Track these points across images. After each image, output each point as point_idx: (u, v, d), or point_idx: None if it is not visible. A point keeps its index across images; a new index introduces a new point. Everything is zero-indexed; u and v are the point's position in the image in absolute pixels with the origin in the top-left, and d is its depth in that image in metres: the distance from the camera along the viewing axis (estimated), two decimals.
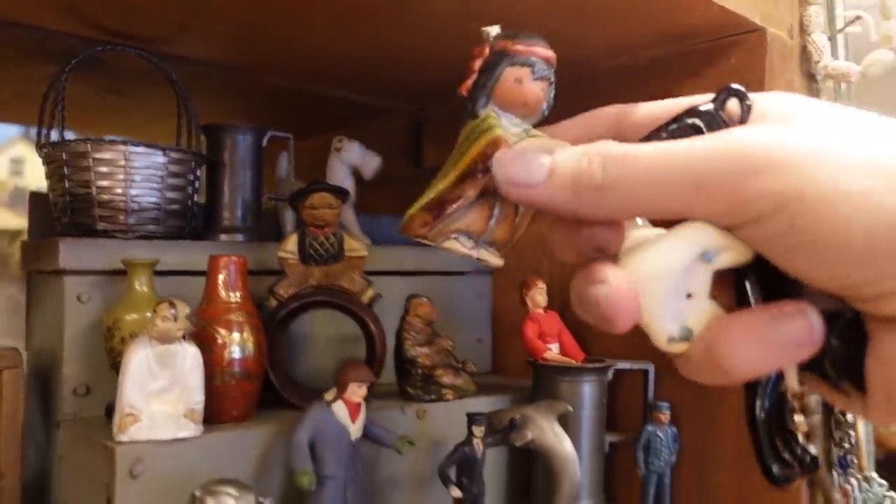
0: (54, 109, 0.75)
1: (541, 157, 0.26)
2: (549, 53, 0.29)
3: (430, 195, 0.28)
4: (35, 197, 0.85)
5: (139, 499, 0.58)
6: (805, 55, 0.77)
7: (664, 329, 0.26)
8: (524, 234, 0.31)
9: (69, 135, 0.75)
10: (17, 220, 1.74)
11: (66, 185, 0.73)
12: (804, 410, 0.27)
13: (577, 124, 0.31)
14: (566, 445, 0.69)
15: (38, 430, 0.72)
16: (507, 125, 0.29)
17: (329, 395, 0.63)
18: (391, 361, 0.78)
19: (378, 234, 0.89)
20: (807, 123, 0.26)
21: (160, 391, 0.60)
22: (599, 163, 0.25)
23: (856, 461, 0.75)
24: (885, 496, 0.74)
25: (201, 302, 0.68)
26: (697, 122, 0.27)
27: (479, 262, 0.30)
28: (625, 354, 0.81)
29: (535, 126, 0.30)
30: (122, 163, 0.73)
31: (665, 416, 0.76)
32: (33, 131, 0.79)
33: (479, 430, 0.67)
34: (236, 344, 0.66)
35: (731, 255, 0.25)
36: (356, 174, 0.90)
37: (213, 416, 0.64)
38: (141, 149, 0.74)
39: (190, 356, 0.61)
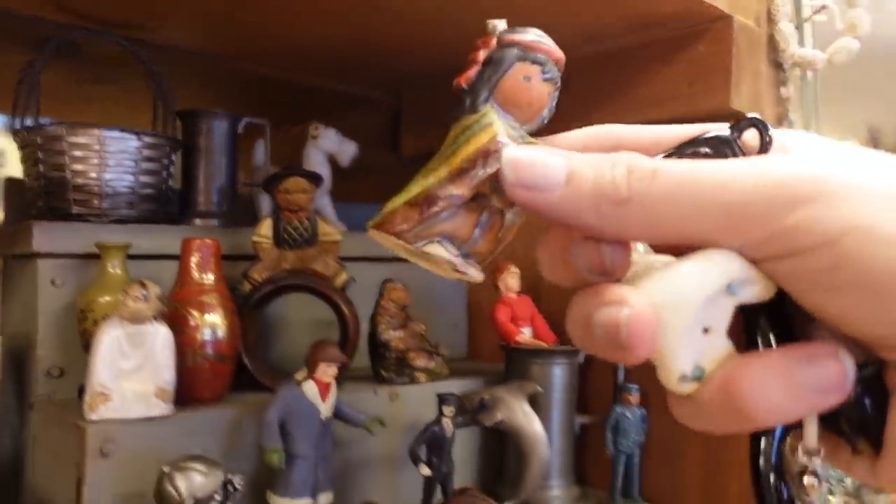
0: (29, 94, 0.75)
1: (558, 159, 0.24)
2: (561, 55, 0.27)
3: (415, 190, 0.25)
4: (10, 183, 0.86)
5: (110, 477, 0.59)
6: (772, 43, 0.78)
7: (678, 365, 0.23)
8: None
9: (45, 122, 0.75)
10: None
11: (41, 169, 0.74)
12: (814, 472, 0.25)
13: (577, 139, 0.28)
14: (535, 425, 0.70)
15: (12, 412, 0.73)
16: (506, 126, 0.26)
17: (300, 375, 0.64)
18: (366, 346, 0.79)
19: (355, 222, 0.90)
20: (835, 157, 0.24)
21: (131, 371, 0.61)
22: (624, 174, 0.23)
23: None
24: None
25: (174, 284, 0.68)
26: (714, 149, 0.25)
27: (458, 275, 0.27)
28: None
29: (532, 135, 0.27)
30: (97, 147, 0.73)
31: (634, 397, 0.77)
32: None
33: (448, 411, 0.68)
34: (209, 326, 0.67)
35: (756, 289, 0.23)
36: (332, 161, 0.91)
37: (186, 396, 0.65)
38: (115, 133, 0.74)
39: (161, 336, 0.62)
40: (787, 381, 0.22)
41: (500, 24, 0.27)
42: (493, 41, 0.27)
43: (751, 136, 0.25)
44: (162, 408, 0.61)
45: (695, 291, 0.22)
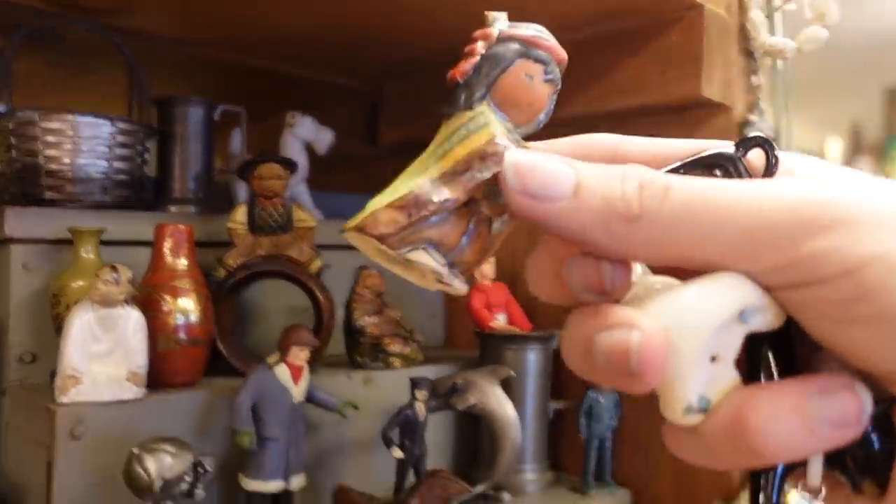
0: (1, 81, 0.75)
1: (566, 167, 0.22)
2: (564, 56, 0.26)
3: (402, 190, 0.23)
4: None
5: (80, 459, 0.59)
6: (743, 32, 0.79)
7: (685, 395, 0.21)
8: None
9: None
10: None
11: (14, 154, 0.73)
12: None
13: (571, 146, 0.26)
14: (508, 409, 0.71)
15: None
16: (502, 127, 0.25)
17: (272, 359, 0.64)
18: (342, 333, 0.79)
19: (332, 211, 0.90)
20: (846, 183, 0.23)
21: (102, 354, 0.61)
22: (636, 189, 0.21)
23: None
24: None
25: (148, 269, 0.68)
26: (721, 168, 0.24)
27: (442, 286, 0.25)
28: None
29: (526, 139, 0.25)
30: (70, 133, 0.73)
31: None
32: None
33: (421, 394, 0.69)
34: (181, 311, 0.67)
35: (767, 317, 0.22)
36: (309, 149, 0.91)
37: (159, 380, 0.65)
38: (89, 119, 0.74)
39: (133, 320, 0.62)
40: (800, 415, 0.21)
41: (501, 17, 0.26)
42: (493, 34, 0.25)
43: (755, 156, 0.24)
44: (134, 391, 0.62)
45: (708, 317, 0.21)
